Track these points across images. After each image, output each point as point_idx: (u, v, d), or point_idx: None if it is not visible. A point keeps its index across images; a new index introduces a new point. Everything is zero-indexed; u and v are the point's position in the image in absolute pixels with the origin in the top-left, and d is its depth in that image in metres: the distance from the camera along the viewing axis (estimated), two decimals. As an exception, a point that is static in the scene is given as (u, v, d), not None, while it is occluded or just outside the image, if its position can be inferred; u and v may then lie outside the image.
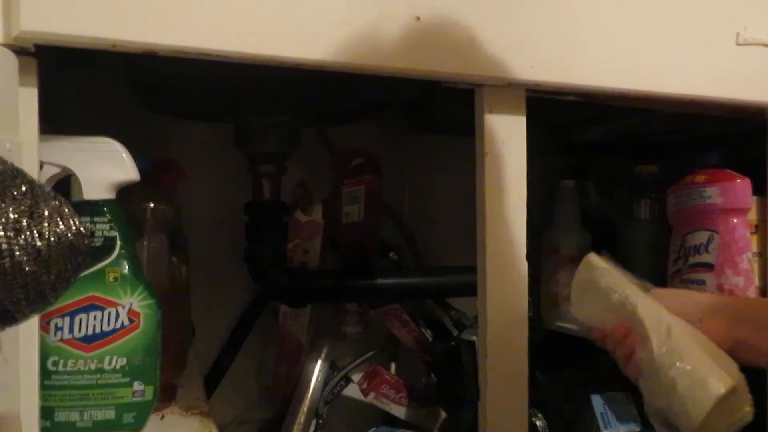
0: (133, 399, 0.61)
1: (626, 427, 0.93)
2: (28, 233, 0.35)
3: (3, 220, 0.35)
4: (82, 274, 0.40)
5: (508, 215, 0.73)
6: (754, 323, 0.61)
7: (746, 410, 0.59)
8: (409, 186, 1.19)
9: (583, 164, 1.20)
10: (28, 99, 0.54)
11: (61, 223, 0.37)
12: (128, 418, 0.61)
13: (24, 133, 0.53)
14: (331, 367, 1.05)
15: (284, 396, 1.05)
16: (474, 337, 0.89)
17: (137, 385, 0.61)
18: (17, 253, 0.35)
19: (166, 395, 0.70)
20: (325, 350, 1.04)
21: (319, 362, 1.04)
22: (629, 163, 1.03)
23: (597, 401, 0.94)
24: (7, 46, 0.53)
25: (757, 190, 0.88)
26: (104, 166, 0.60)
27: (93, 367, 0.59)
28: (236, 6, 0.59)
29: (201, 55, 0.58)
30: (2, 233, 0.34)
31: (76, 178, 0.60)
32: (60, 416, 0.59)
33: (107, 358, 0.60)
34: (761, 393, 0.90)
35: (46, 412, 0.58)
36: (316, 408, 1.02)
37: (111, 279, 0.60)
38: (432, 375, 1.08)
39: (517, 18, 0.69)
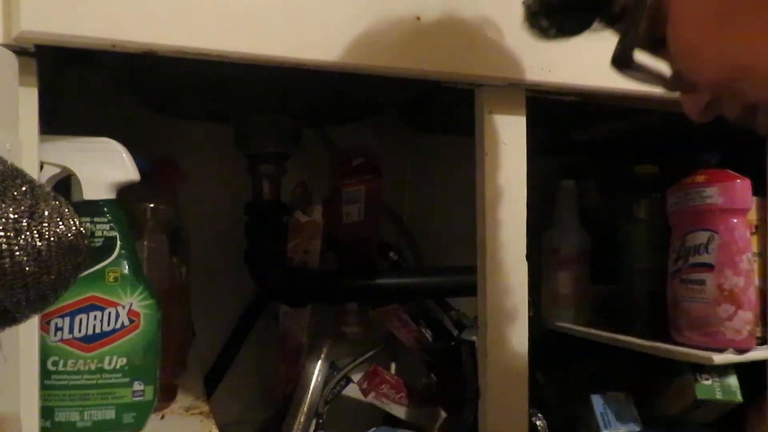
0: (133, 399, 0.61)
1: (626, 427, 0.93)
2: (28, 233, 0.35)
3: (3, 220, 0.35)
4: (82, 274, 0.40)
5: (508, 215, 0.73)
6: None
7: None
8: (409, 186, 1.19)
9: (583, 164, 1.20)
10: (28, 99, 0.54)
11: (61, 223, 0.37)
12: (128, 418, 0.61)
13: (24, 133, 0.53)
14: (331, 367, 1.05)
15: (284, 396, 1.05)
16: (474, 337, 0.89)
17: (137, 385, 0.61)
18: (17, 253, 0.35)
19: (166, 395, 0.70)
20: (325, 350, 1.04)
21: (319, 362, 1.04)
22: (629, 163, 1.03)
23: (597, 401, 0.94)
24: (7, 46, 0.53)
25: (757, 190, 0.88)
26: (104, 166, 0.60)
27: (93, 367, 0.59)
28: (236, 6, 0.59)
29: (201, 55, 0.58)
30: (2, 233, 0.34)
31: (76, 178, 0.60)
32: (60, 416, 0.59)
33: (107, 358, 0.60)
34: (762, 389, 0.91)
35: (46, 412, 0.58)
36: (316, 408, 1.02)
37: (111, 279, 0.60)
38: (432, 375, 1.08)
39: (517, 17, 0.69)
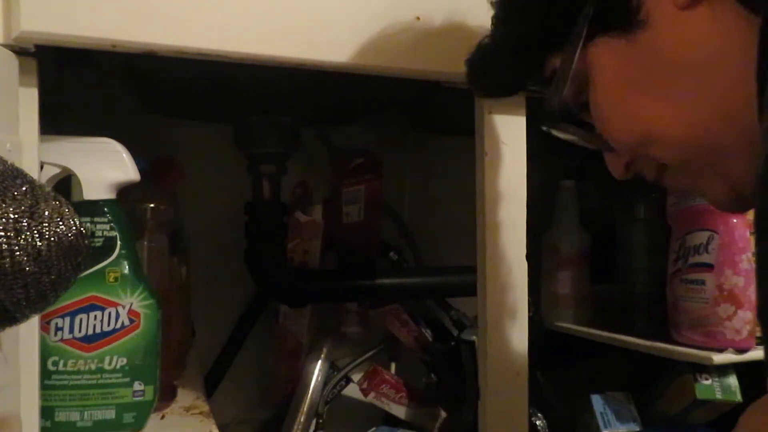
0: (133, 399, 0.61)
1: (626, 427, 0.93)
2: (28, 233, 0.35)
3: (3, 220, 0.35)
4: (82, 274, 0.40)
5: (508, 215, 0.73)
6: None
7: None
8: (410, 186, 1.19)
9: (583, 164, 1.20)
10: (28, 99, 0.54)
11: (61, 223, 0.37)
12: (128, 417, 0.61)
13: (24, 133, 0.53)
14: (331, 367, 1.05)
15: (284, 396, 1.05)
16: (474, 337, 0.89)
17: (137, 385, 0.61)
18: (17, 253, 0.35)
19: (166, 395, 0.70)
20: (325, 350, 1.04)
21: (319, 362, 1.04)
22: (629, 163, 1.03)
23: (597, 401, 0.94)
24: (7, 46, 0.53)
25: (757, 190, 0.87)
26: (104, 166, 0.60)
27: (93, 367, 0.59)
28: (236, 6, 0.59)
29: (201, 55, 0.58)
30: (2, 233, 0.34)
31: (76, 178, 0.60)
32: (60, 416, 0.59)
33: (107, 358, 0.60)
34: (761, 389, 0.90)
35: (46, 412, 0.58)
36: (316, 408, 1.02)
37: (111, 279, 0.60)
38: (432, 375, 1.08)
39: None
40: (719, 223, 0.85)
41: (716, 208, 0.51)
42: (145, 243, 0.72)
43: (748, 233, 0.86)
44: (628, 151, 0.50)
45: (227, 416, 1.05)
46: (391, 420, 1.03)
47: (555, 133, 0.53)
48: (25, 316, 0.37)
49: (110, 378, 0.60)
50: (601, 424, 0.92)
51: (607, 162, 0.54)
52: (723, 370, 0.89)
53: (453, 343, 0.98)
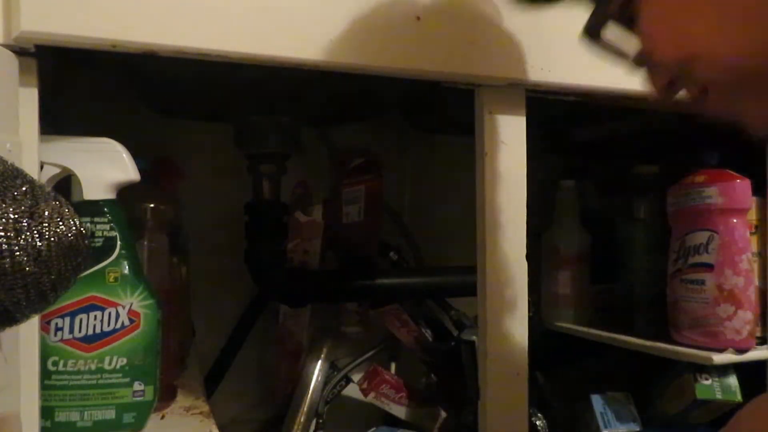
0: (133, 399, 0.61)
1: (626, 427, 0.93)
2: (28, 234, 0.35)
3: (3, 220, 0.35)
4: (83, 274, 0.40)
5: (508, 215, 0.73)
6: None
7: None
8: (410, 186, 1.19)
9: (583, 164, 1.20)
10: (28, 99, 0.54)
11: (61, 223, 0.37)
12: (128, 418, 0.61)
13: (24, 133, 0.53)
14: (331, 367, 1.05)
15: (284, 396, 1.05)
16: (474, 337, 0.89)
17: (137, 385, 0.61)
18: (17, 253, 0.35)
19: (166, 395, 0.70)
20: (325, 350, 1.04)
21: (319, 362, 1.04)
22: (629, 163, 1.03)
23: (597, 401, 0.94)
24: (7, 46, 0.53)
25: (757, 190, 0.88)
26: (104, 166, 0.60)
27: (93, 367, 0.59)
28: (236, 6, 0.59)
29: (201, 55, 0.58)
30: (2, 233, 0.34)
31: (76, 178, 0.60)
32: (60, 416, 0.59)
33: (107, 358, 0.60)
34: (761, 389, 0.91)
35: (46, 412, 0.58)
36: (316, 408, 1.02)
37: (111, 279, 0.60)
38: (432, 375, 1.08)
39: (517, 18, 0.69)
40: (719, 223, 0.85)
41: (753, 132, 0.50)
42: (145, 243, 0.71)
43: (748, 233, 0.86)
44: (671, 69, 0.48)
45: (227, 416, 1.05)
46: (391, 420, 1.03)
47: (594, 46, 0.51)
48: (25, 317, 0.37)
49: (110, 378, 0.60)
50: (601, 424, 0.92)
51: (647, 80, 0.51)
52: (723, 370, 0.89)
53: (453, 343, 0.98)
